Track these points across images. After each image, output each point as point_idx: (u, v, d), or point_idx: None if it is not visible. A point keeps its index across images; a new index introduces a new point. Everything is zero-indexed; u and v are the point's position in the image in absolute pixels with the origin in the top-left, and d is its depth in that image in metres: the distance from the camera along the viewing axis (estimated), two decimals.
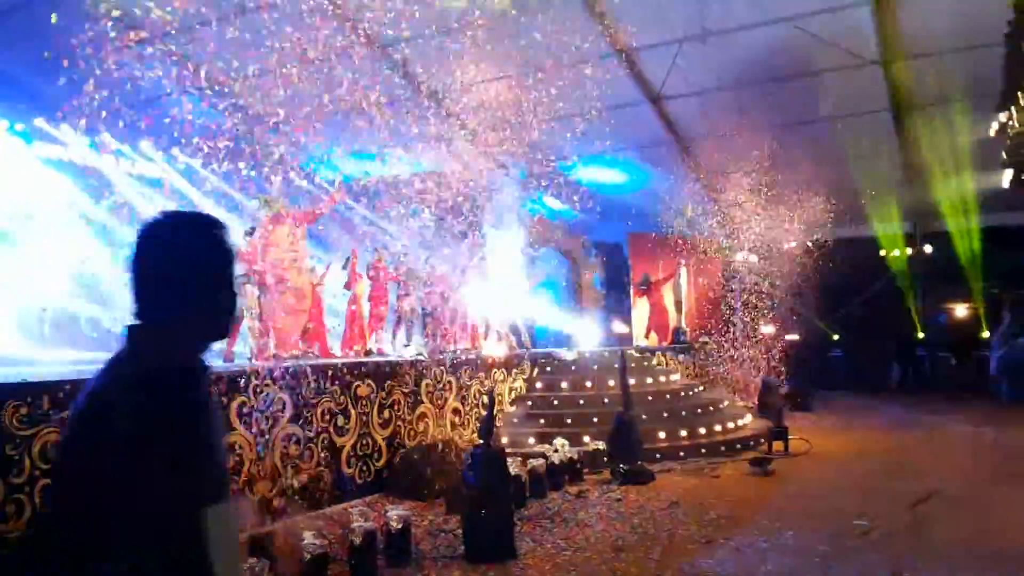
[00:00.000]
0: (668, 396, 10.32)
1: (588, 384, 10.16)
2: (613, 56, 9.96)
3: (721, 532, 6.06)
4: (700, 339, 14.78)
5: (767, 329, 14.78)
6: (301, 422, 6.60)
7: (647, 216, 14.07)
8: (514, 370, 9.98)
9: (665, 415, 9.78)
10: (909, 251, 18.77)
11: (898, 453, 9.83)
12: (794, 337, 16.23)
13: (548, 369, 10.53)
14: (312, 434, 6.72)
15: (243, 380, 6.05)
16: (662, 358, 12.50)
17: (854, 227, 15.95)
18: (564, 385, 10.21)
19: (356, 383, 7.39)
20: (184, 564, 1.39)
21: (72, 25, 6.61)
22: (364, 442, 7.40)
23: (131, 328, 1.52)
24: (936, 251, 18.50)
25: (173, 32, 7.82)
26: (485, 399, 8.48)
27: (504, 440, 8.72)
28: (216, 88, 8.41)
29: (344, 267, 10.23)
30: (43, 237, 10.41)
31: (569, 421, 9.38)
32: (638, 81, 11.08)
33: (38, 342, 9.95)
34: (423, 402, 8.26)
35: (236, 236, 7.69)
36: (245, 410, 6.03)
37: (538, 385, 10.25)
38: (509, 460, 6.46)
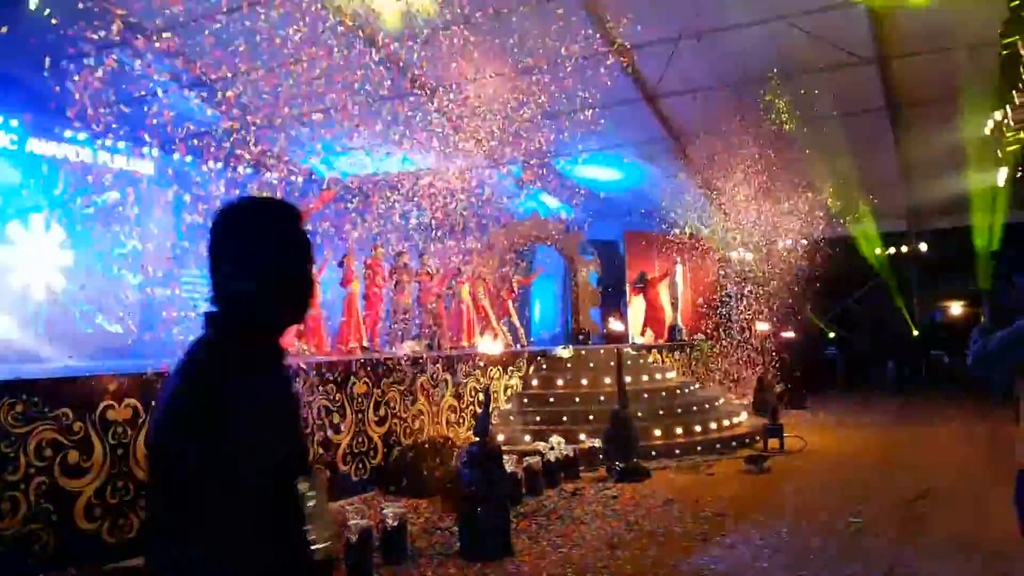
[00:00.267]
0: (664, 394, 10.32)
1: (584, 382, 10.15)
2: (609, 53, 9.94)
3: (716, 529, 6.08)
4: (696, 336, 14.79)
5: (763, 327, 14.80)
6: None
7: (643, 214, 14.08)
8: (510, 367, 9.98)
9: (661, 413, 9.79)
10: (904, 249, 18.83)
11: (892, 450, 9.88)
12: (789, 334, 16.27)
13: (544, 367, 10.53)
14: (308, 432, 6.71)
15: None
16: (658, 355, 12.51)
17: (849, 225, 15.99)
18: (560, 383, 10.20)
19: (352, 380, 7.39)
20: (282, 531, 1.49)
21: (65, 21, 6.58)
22: (360, 440, 7.40)
23: (208, 315, 1.55)
24: (931, 249, 18.56)
25: (162, 26, 7.79)
26: (481, 396, 8.47)
27: (500, 437, 8.71)
28: (209, 83, 8.38)
29: (340, 264, 10.21)
30: (37, 235, 10.39)
31: (565, 419, 9.38)
32: (634, 79, 11.08)
33: (35, 339, 9.93)
34: (419, 400, 8.26)
35: None
36: None
37: (534, 382, 10.24)
38: (505, 457, 6.45)
